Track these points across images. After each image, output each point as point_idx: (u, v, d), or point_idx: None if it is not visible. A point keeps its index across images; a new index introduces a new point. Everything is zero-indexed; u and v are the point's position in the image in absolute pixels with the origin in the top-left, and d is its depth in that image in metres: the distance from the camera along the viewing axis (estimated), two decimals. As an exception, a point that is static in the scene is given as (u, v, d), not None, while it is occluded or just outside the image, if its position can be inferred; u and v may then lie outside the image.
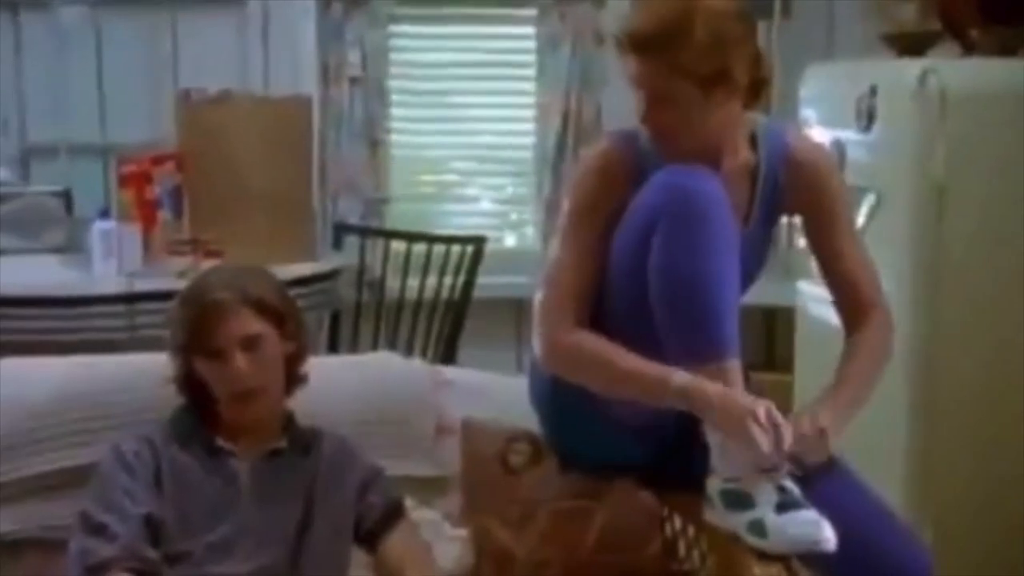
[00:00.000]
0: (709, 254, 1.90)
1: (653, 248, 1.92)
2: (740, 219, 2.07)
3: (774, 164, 2.11)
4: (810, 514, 1.83)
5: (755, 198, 2.11)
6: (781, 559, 1.84)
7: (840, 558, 1.82)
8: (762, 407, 1.84)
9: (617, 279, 2.02)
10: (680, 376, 1.89)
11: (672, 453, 2.10)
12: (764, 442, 1.82)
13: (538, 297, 2.08)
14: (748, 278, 2.12)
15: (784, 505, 1.84)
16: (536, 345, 2.07)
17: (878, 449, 3.04)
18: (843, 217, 2.17)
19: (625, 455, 2.14)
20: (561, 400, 2.14)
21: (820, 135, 3.34)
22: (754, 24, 2.03)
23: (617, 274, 2.02)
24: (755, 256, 2.14)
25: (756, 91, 2.03)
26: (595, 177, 2.07)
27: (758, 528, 1.84)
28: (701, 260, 1.90)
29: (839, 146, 3.22)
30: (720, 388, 1.87)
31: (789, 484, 1.87)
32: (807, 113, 3.46)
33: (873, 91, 3.07)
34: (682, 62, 1.90)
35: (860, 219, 3.13)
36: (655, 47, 1.91)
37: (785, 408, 1.93)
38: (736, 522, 1.88)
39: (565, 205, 2.11)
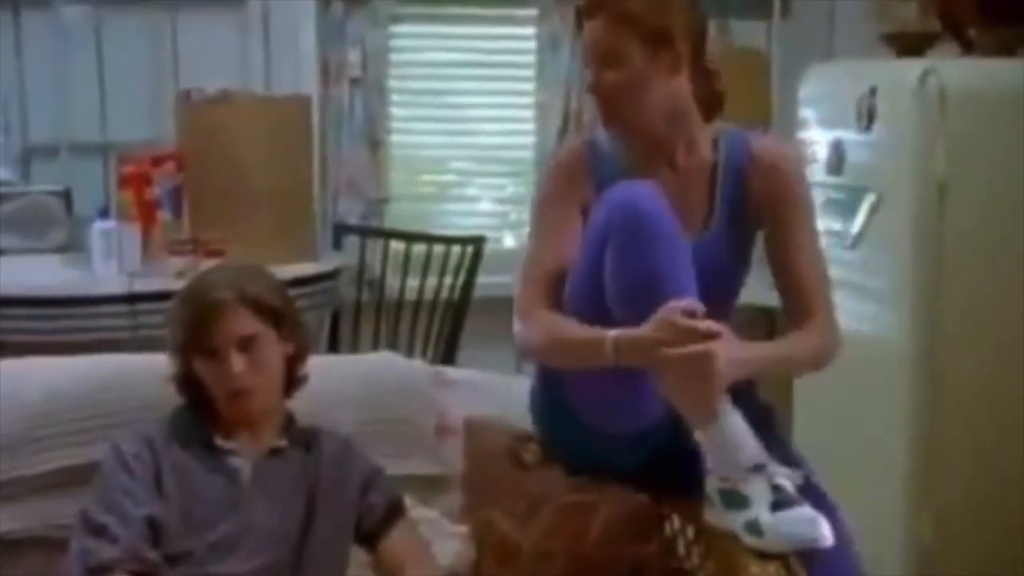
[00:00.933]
0: (657, 260, 1.92)
1: (607, 261, 1.95)
2: (698, 221, 2.09)
3: (736, 163, 2.12)
4: (805, 511, 1.83)
5: (715, 198, 2.11)
6: (779, 558, 1.84)
7: None
8: (677, 306, 1.86)
9: (579, 291, 2.03)
10: (611, 332, 1.91)
11: (663, 464, 2.11)
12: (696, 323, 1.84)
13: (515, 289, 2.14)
14: (721, 283, 2.10)
15: (779, 504, 1.84)
16: (516, 341, 2.13)
17: (880, 447, 3.05)
18: (801, 222, 2.12)
19: (616, 464, 2.14)
20: (550, 410, 2.17)
21: (820, 135, 3.35)
22: (698, 3, 2.11)
23: (581, 289, 2.03)
24: (723, 259, 2.12)
25: (716, 102, 2.11)
26: (557, 172, 2.18)
27: (754, 528, 1.84)
28: (652, 264, 1.91)
29: (839, 146, 3.22)
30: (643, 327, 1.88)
31: (783, 482, 1.86)
32: (807, 113, 3.46)
33: (873, 91, 3.07)
34: (628, 11, 2.01)
35: (860, 219, 3.13)
36: (605, 1, 2.02)
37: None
38: (734, 522, 1.88)
39: (533, 206, 2.21)
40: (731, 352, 1.87)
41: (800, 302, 2.10)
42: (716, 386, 1.86)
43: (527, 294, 2.10)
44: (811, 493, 1.95)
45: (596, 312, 1.96)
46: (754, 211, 2.12)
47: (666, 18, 2.02)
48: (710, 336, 1.86)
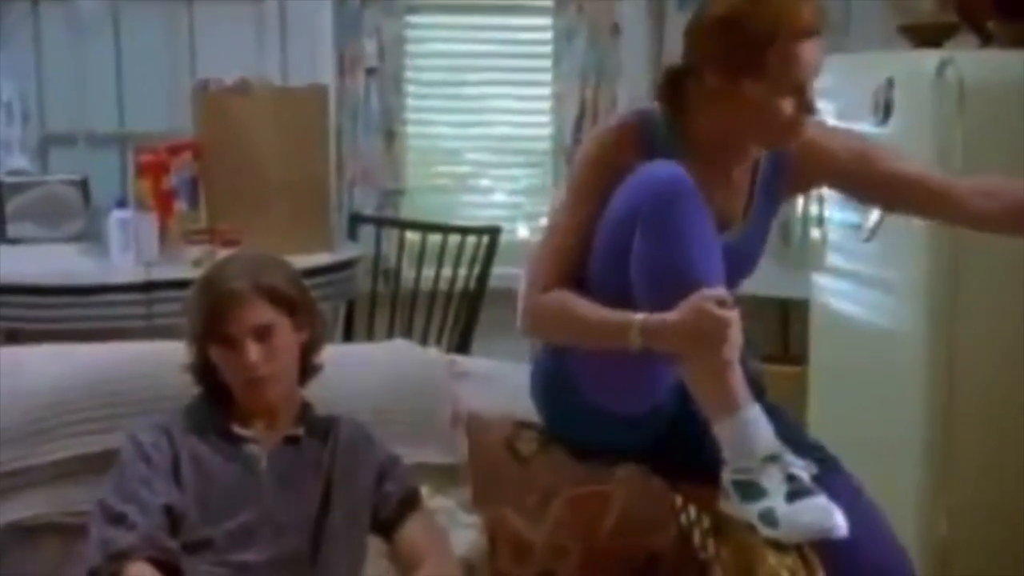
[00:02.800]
0: (686, 245, 1.91)
1: (636, 242, 1.94)
2: (739, 212, 2.10)
3: (776, 155, 2.13)
4: (820, 501, 1.83)
5: (756, 188, 2.12)
6: (796, 548, 1.84)
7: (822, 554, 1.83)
8: (711, 295, 1.85)
9: (601, 272, 2.03)
10: (639, 316, 1.90)
11: (669, 446, 2.11)
12: (730, 316, 1.84)
13: (527, 262, 2.12)
14: (750, 264, 2.14)
15: (794, 494, 1.84)
16: (519, 308, 2.10)
17: (895, 439, 3.05)
18: (870, 146, 2.18)
19: (618, 444, 2.15)
20: (552, 389, 2.18)
21: (837, 127, 3.33)
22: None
23: (601, 268, 2.03)
24: (757, 246, 2.15)
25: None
26: (604, 147, 2.08)
27: (770, 518, 1.85)
28: (680, 249, 1.91)
29: (856, 138, 3.21)
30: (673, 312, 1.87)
31: (799, 472, 1.87)
32: (823, 105, 3.44)
33: (890, 83, 3.06)
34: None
35: (877, 212, 3.13)
36: (820, 24, 1.96)
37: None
38: (749, 513, 1.88)
39: (571, 173, 2.14)
40: None
41: (935, 185, 2.15)
42: (734, 377, 1.87)
43: (541, 271, 2.07)
44: (825, 465, 1.96)
45: (618, 292, 1.95)
46: (791, 188, 2.17)
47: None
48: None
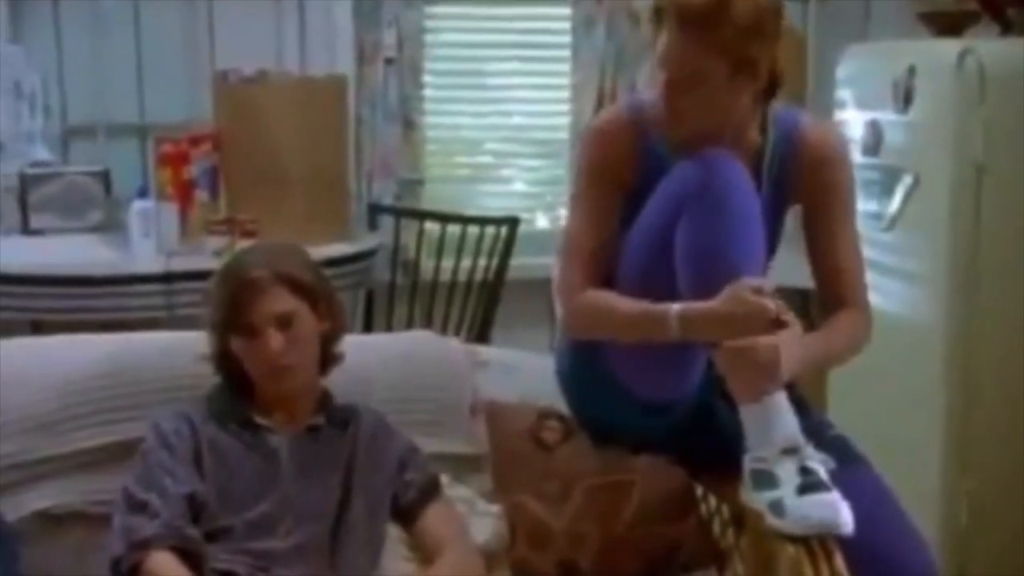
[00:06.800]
0: (734, 234, 1.93)
1: (680, 230, 1.94)
2: None
3: (783, 146, 2.11)
4: (830, 497, 1.83)
5: (761, 180, 2.11)
6: (819, 540, 1.83)
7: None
8: (748, 283, 1.87)
9: (640, 261, 2.04)
10: (676, 305, 1.92)
11: (693, 433, 2.11)
12: (767, 302, 1.85)
13: (555, 264, 2.13)
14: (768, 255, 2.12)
15: (806, 487, 1.84)
16: (557, 312, 2.12)
17: (915, 428, 3.04)
18: (845, 204, 2.15)
19: (642, 430, 2.16)
20: (580, 373, 2.19)
21: (857, 116, 3.33)
22: (782, 24, 2.03)
23: (641, 256, 2.04)
24: (767, 238, 2.11)
25: (772, 90, 2.06)
26: (601, 138, 2.12)
27: (778, 508, 1.85)
28: (726, 237, 1.92)
29: (876, 127, 3.21)
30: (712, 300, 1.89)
31: (814, 465, 1.87)
32: (844, 94, 3.44)
33: (911, 71, 3.05)
34: (721, 39, 1.92)
35: (897, 200, 3.12)
36: (701, 22, 1.92)
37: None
38: (761, 501, 1.88)
39: (575, 169, 2.17)
40: (792, 350, 1.89)
41: (838, 286, 2.13)
42: (773, 378, 1.87)
43: (570, 272, 2.10)
44: (847, 462, 1.97)
45: (654, 274, 1.97)
46: (796, 192, 2.14)
47: (756, 47, 1.95)
48: (779, 323, 1.87)
